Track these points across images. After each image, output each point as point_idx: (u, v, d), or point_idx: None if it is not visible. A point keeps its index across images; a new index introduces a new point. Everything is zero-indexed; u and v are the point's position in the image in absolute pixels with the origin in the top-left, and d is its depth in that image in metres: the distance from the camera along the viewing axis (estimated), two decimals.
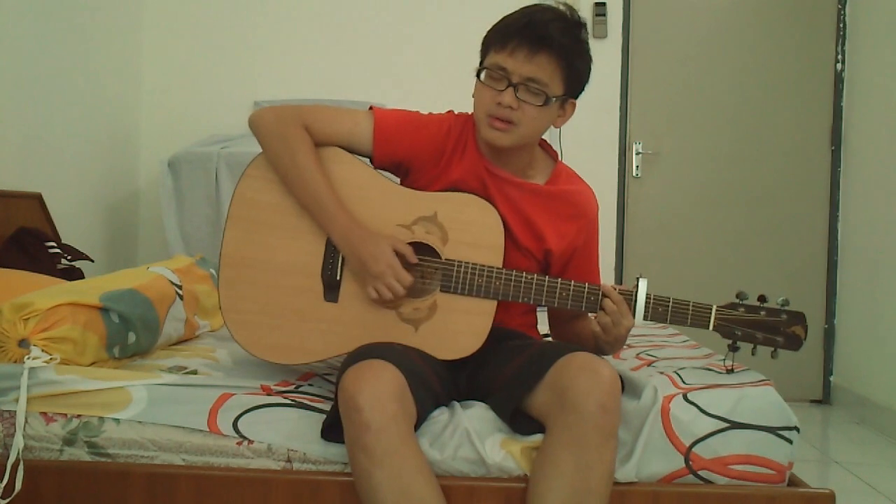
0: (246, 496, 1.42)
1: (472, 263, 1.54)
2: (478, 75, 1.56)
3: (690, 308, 1.52)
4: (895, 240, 3.31)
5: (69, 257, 2.50)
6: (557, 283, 1.54)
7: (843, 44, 3.81)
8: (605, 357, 1.43)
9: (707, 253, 3.85)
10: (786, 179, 3.85)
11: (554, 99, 1.54)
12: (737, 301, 1.55)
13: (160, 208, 3.24)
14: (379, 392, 1.31)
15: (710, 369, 1.64)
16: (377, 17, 3.75)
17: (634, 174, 3.85)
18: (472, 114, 1.61)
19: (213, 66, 3.75)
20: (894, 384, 3.25)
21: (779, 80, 3.84)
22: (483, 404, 1.50)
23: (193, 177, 3.17)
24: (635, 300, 1.52)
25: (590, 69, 1.59)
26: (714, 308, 1.53)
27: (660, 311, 1.53)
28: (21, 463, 1.42)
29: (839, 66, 3.81)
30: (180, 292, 1.98)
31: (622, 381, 1.41)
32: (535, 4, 1.55)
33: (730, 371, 1.60)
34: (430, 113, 1.67)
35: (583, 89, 1.61)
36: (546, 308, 1.74)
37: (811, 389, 3.85)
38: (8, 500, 1.41)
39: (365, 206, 1.57)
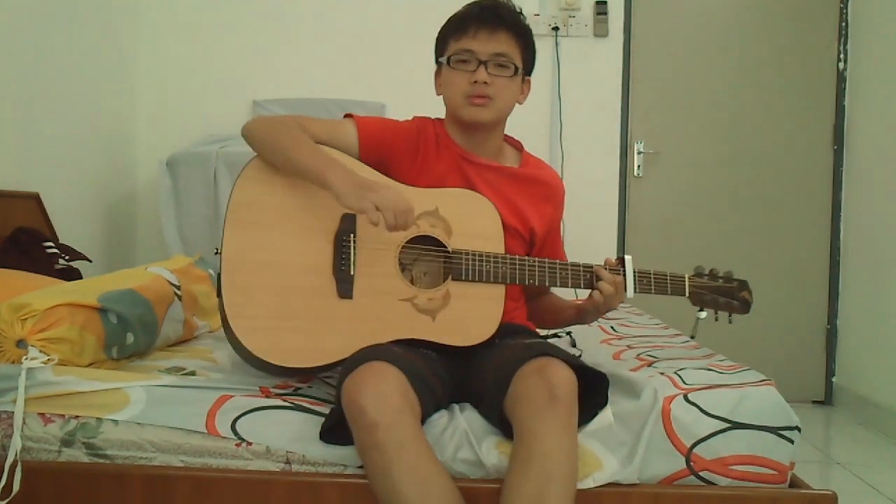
0: (245, 498, 1.41)
1: (479, 252, 1.61)
2: (446, 63, 1.69)
3: (668, 278, 1.71)
4: None
5: (67, 257, 2.49)
6: (556, 264, 1.67)
7: (846, 42, 3.80)
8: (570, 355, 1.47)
9: (708, 252, 3.83)
10: (788, 178, 3.84)
11: (520, 70, 1.68)
12: (696, 274, 1.75)
13: (158, 208, 3.24)
14: (381, 390, 1.31)
15: (710, 369, 1.63)
16: (377, 17, 3.73)
17: (636, 174, 3.84)
18: (441, 118, 1.74)
19: (212, 66, 3.74)
20: None
21: (781, 79, 3.83)
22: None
23: (192, 177, 3.16)
24: (625, 277, 1.68)
25: (536, 51, 1.75)
26: (687, 277, 1.73)
27: (644, 283, 1.70)
28: (19, 464, 1.41)
29: (841, 64, 3.80)
30: (179, 293, 1.97)
31: (607, 380, 1.47)
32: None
33: (692, 337, 1.76)
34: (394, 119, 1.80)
35: (533, 68, 1.75)
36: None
37: (813, 390, 3.84)
38: (6, 501, 1.40)
39: None
